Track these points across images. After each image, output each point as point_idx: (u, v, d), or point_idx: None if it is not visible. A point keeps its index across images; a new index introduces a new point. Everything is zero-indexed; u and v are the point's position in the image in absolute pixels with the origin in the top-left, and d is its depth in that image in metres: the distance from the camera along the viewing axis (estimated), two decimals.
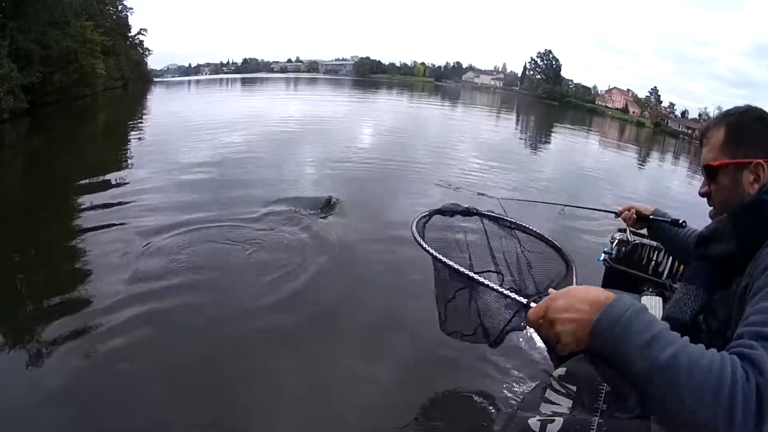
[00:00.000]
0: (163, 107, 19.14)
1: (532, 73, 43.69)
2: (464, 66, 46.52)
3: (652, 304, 1.71)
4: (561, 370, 0.90)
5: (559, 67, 43.26)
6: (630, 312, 0.67)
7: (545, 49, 43.95)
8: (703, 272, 1.10)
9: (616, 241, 3.32)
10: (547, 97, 39.97)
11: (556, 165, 11.25)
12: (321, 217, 4.77)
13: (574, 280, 1.42)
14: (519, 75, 44.66)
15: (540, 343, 2.56)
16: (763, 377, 0.60)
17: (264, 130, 10.58)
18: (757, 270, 0.81)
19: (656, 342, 0.64)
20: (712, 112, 37.92)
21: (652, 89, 42.85)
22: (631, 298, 0.76)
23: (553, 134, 21.01)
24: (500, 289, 1.06)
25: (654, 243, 3.27)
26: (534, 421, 0.95)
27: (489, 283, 1.09)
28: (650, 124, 40.10)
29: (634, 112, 42.16)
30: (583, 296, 0.72)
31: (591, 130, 27.24)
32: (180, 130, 10.45)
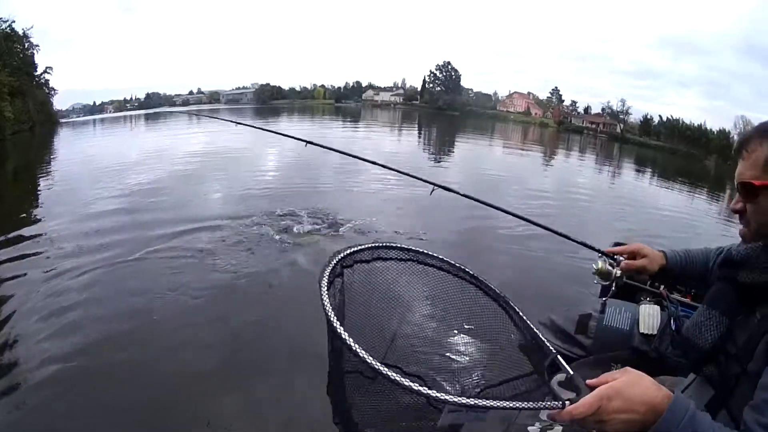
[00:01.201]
0: (70, 150, 17.73)
1: (431, 85, 44.32)
2: (364, 85, 46.89)
3: (651, 312, 1.70)
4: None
5: (458, 77, 43.71)
6: (687, 418, 0.70)
7: (444, 61, 44.66)
8: (726, 296, 1.03)
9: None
10: (447, 108, 40.58)
11: (462, 173, 11.29)
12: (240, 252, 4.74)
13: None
14: (419, 89, 44.86)
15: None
16: None
17: (170, 168, 10.18)
18: None
19: None
20: (615, 105, 39.72)
21: (553, 89, 43.79)
22: (684, 400, 0.73)
23: (456, 143, 21.19)
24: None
25: None
26: (534, 429, 0.94)
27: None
28: (554, 124, 41.15)
29: (536, 114, 43.18)
30: (640, 398, 0.73)
31: (494, 136, 27.40)
32: (89, 173, 10.00)
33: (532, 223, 2.09)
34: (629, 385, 0.74)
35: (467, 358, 1.11)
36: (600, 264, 1.64)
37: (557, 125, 40.64)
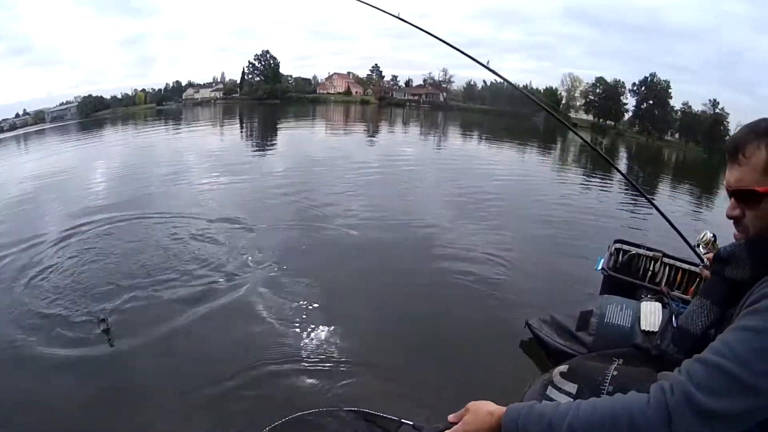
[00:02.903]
0: None
1: (251, 76, 43.14)
2: (183, 84, 45.32)
3: (652, 309, 1.71)
4: (563, 368, 0.90)
5: (277, 65, 42.51)
6: (522, 416, 0.81)
7: (263, 50, 42.52)
8: (717, 288, 1.08)
9: (612, 250, 3.36)
10: (268, 98, 39.87)
11: (287, 161, 10.83)
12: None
13: None
14: (238, 81, 44.31)
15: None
16: (674, 396, 0.72)
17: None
18: (746, 303, 0.82)
19: (552, 426, 0.77)
20: (437, 75, 40.02)
21: (373, 67, 43.04)
22: (518, 405, 0.85)
23: (279, 132, 20.66)
24: None
25: (650, 253, 3.30)
26: None
27: None
28: (375, 100, 41.14)
29: (357, 92, 42.55)
30: (480, 428, 0.87)
31: (316, 119, 27.03)
32: None
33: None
34: (469, 423, 0.88)
35: None
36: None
37: (379, 101, 40.58)
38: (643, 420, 0.72)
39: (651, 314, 1.70)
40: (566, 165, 14.77)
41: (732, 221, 0.96)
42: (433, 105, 40.08)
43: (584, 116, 36.22)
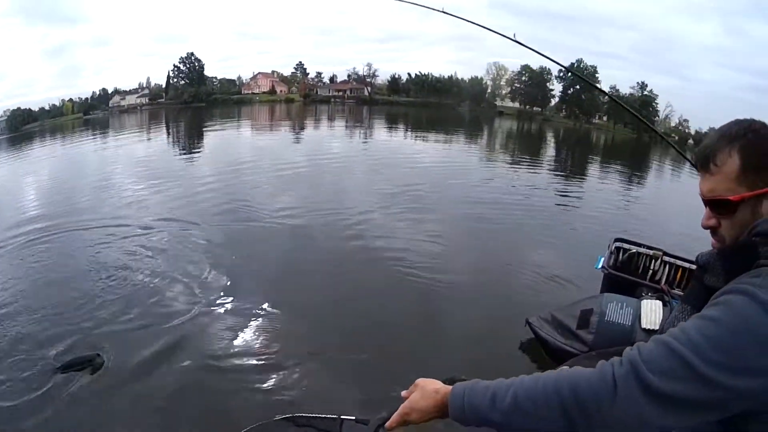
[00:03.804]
0: None
1: (176, 80, 42.40)
2: (110, 91, 44.61)
3: (653, 307, 1.71)
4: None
5: (202, 67, 42.42)
6: (466, 395, 0.82)
7: (187, 53, 42.54)
8: (698, 294, 1.09)
9: (612, 248, 3.36)
10: (193, 101, 39.71)
11: (214, 164, 10.62)
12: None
13: None
14: (164, 86, 42.89)
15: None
16: (621, 367, 0.70)
17: None
18: (714, 296, 0.83)
19: (496, 397, 0.79)
20: (362, 70, 40.58)
21: (297, 64, 43.22)
22: (461, 385, 0.86)
23: (205, 135, 20.57)
24: None
25: (651, 252, 3.31)
26: None
27: None
28: (300, 98, 41.37)
29: (281, 91, 42.42)
30: (428, 407, 0.88)
31: (242, 120, 26.52)
32: None
33: None
34: (417, 401, 0.89)
35: None
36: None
37: (303, 99, 40.85)
38: (588, 387, 0.71)
39: (651, 312, 1.70)
40: (493, 152, 15.34)
41: (710, 231, 0.92)
42: (358, 100, 39.99)
43: (510, 104, 36.68)
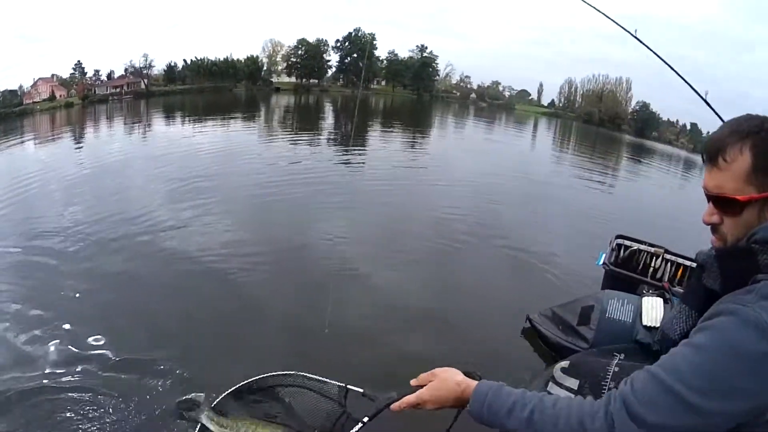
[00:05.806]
0: None
1: None
2: None
3: (654, 304, 1.71)
4: (564, 363, 0.90)
5: None
6: (492, 390, 0.85)
7: None
8: (696, 294, 1.07)
9: (614, 245, 3.35)
10: None
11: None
12: None
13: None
14: None
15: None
16: (615, 403, 0.74)
17: None
18: (704, 317, 0.82)
19: (516, 406, 0.82)
20: (138, 62, 37.83)
21: (76, 64, 39.69)
22: (487, 383, 0.88)
23: None
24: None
25: (652, 249, 3.30)
26: None
27: None
28: (79, 100, 39.61)
29: (61, 96, 39.19)
30: (446, 397, 0.90)
31: (25, 134, 24.35)
32: None
33: None
34: (435, 389, 0.90)
35: None
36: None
37: (82, 101, 39.15)
38: (591, 422, 0.75)
39: (652, 309, 1.69)
40: (272, 130, 15.39)
41: (711, 228, 0.90)
42: (136, 94, 37.53)
43: (287, 79, 36.57)
